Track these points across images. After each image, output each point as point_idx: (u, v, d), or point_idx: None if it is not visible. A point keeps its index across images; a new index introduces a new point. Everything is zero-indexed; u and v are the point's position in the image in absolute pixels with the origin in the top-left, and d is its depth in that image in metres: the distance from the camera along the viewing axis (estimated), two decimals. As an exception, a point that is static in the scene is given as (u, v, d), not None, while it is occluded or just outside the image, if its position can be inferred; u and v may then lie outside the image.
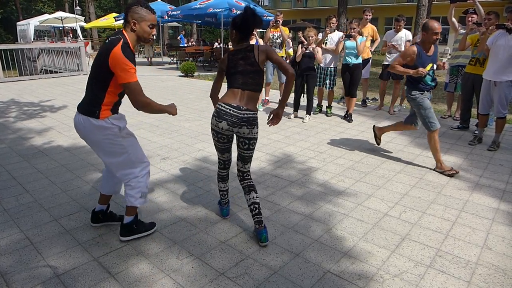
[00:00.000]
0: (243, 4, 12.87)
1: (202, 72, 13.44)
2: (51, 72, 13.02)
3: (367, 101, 7.50)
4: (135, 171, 2.55)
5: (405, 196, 3.42)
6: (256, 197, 2.66)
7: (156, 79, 11.54)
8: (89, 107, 2.38)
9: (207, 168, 4.08)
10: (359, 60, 6.08)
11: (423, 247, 2.62)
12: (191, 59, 15.25)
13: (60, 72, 12.61)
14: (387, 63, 6.58)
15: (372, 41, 7.00)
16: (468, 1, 5.48)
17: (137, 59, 19.21)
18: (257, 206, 2.63)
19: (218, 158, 2.83)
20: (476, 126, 5.22)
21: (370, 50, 6.91)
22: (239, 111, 2.50)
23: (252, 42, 6.59)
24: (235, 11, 12.18)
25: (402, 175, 3.93)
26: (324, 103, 6.91)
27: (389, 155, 4.55)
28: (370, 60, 7.08)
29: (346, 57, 6.07)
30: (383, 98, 7.05)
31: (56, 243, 2.64)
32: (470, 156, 4.51)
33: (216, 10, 12.27)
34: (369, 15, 6.78)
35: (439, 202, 3.31)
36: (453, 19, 5.93)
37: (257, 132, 2.64)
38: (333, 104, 6.91)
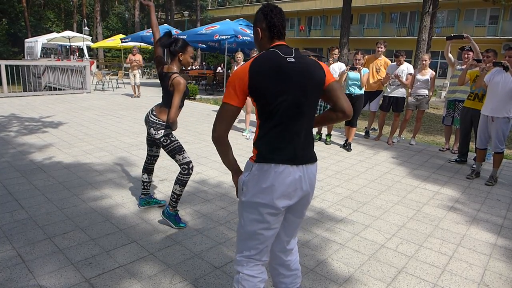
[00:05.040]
0: (248, 31, 13.18)
1: (204, 95, 13.61)
2: (55, 89, 13.16)
3: (370, 132, 7.42)
4: None
5: (402, 228, 3.40)
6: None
7: (158, 100, 11.67)
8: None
9: (205, 191, 4.08)
10: (362, 91, 6.18)
11: (420, 281, 2.59)
12: (194, 82, 15.48)
13: (63, 90, 12.75)
14: (387, 94, 6.68)
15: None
16: (464, 38, 5.65)
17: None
18: (175, 196, 3.19)
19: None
20: (474, 160, 5.25)
21: (383, 84, 6.81)
22: (148, 114, 3.24)
23: None
24: (241, 38, 12.45)
25: (400, 206, 3.92)
26: (324, 131, 6.96)
27: (387, 185, 4.55)
28: (382, 93, 6.98)
29: (349, 87, 6.18)
30: (382, 129, 7.12)
31: (48, 262, 2.60)
32: (468, 190, 4.51)
33: (222, 37, 12.49)
34: (382, 48, 6.84)
35: (436, 235, 3.30)
36: (450, 55, 6.10)
37: (160, 135, 3.12)
38: (333, 132, 6.97)
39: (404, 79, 6.42)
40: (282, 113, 1.70)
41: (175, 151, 3.14)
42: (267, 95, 1.69)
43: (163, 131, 3.14)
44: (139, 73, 12.31)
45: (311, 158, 1.82)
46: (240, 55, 7.98)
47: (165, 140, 3.13)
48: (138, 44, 19.25)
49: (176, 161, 3.18)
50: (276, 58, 1.71)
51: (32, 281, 2.38)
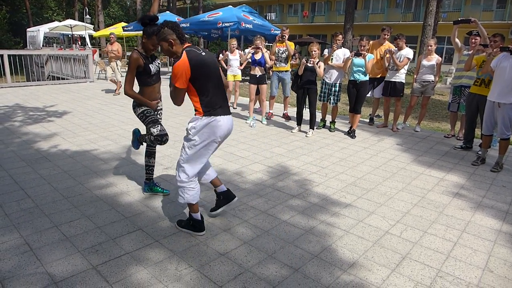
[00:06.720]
0: (251, 18, 13.02)
1: (207, 83, 13.51)
2: (58, 78, 13.15)
3: (374, 119, 7.39)
4: None
5: (406, 215, 3.41)
6: (153, 162, 3.64)
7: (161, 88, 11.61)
8: None
9: (209, 179, 4.08)
10: (367, 78, 6.11)
11: (424, 267, 2.60)
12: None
13: (67, 79, 12.74)
14: (387, 79, 6.60)
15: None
16: (471, 23, 5.54)
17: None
18: (152, 168, 3.62)
19: None
20: (480, 147, 5.22)
21: (385, 69, 6.68)
22: None
23: (258, 56, 6.68)
24: (244, 25, 12.29)
25: (404, 193, 3.92)
26: (328, 118, 6.93)
27: (391, 172, 4.54)
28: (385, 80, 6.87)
29: (354, 74, 6.11)
30: (388, 117, 7.04)
31: (56, 249, 2.64)
32: (473, 177, 4.50)
33: (225, 24, 12.29)
34: (387, 35, 6.71)
35: (441, 221, 3.30)
36: (457, 40, 5.99)
37: (137, 112, 3.37)
38: (337, 119, 6.93)
39: (399, 61, 6.31)
40: (211, 89, 2.69)
41: (150, 124, 3.31)
42: (202, 79, 2.63)
43: (138, 108, 3.36)
44: (118, 65, 10.03)
45: (230, 112, 2.84)
46: (234, 42, 7.94)
47: (141, 116, 3.36)
48: (140, 32, 19.07)
49: (150, 133, 3.35)
50: (197, 54, 2.61)
51: (40, 268, 2.41)
